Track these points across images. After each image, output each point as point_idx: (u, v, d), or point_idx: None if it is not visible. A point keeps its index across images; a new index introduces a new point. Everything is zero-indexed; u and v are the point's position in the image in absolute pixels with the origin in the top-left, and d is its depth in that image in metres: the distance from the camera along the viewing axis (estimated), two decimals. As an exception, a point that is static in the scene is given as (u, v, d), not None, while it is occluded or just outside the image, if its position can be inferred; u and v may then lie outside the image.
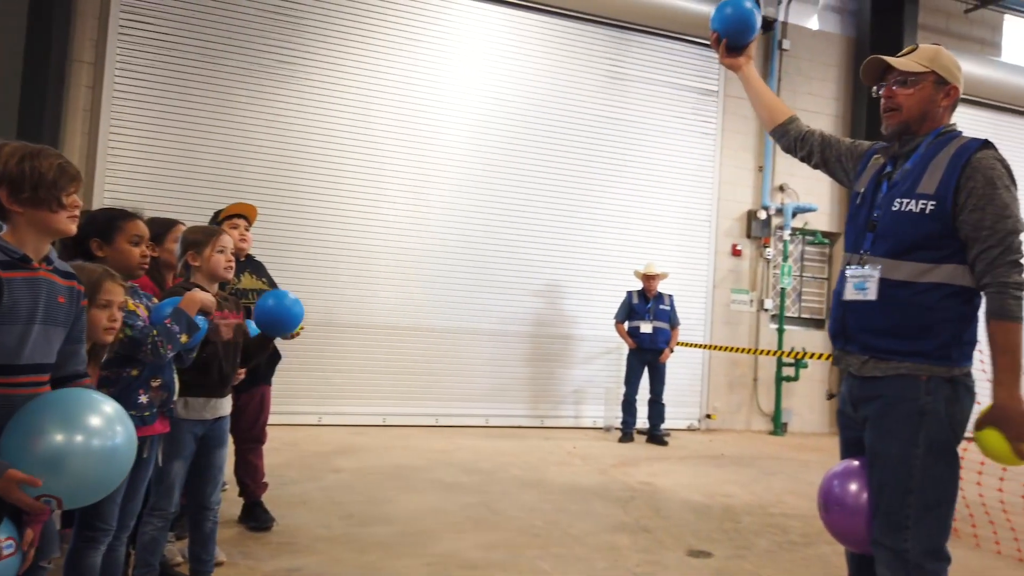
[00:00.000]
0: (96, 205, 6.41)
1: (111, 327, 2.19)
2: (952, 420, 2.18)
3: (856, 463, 2.39)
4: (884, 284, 2.24)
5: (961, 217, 2.15)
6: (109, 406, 1.87)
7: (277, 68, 7.61)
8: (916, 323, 2.19)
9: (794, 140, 2.67)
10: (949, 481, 2.21)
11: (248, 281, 3.98)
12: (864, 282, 2.28)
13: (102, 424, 1.81)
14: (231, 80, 7.45)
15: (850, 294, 2.32)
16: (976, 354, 2.28)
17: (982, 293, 2.18)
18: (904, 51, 2.37)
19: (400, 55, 8.02)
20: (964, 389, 2.21)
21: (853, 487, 2.36)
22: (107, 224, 2.47)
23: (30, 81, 6.51)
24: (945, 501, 2.20)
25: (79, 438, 1.76)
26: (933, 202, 2.17)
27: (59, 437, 1.73)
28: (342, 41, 7.84)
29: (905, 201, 2.23)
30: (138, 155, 7.14)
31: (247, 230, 3.97)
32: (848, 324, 2.34)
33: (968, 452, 2.57)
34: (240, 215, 3.97)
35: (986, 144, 2.23)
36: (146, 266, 2.57)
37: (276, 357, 4.07)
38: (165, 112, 7.23)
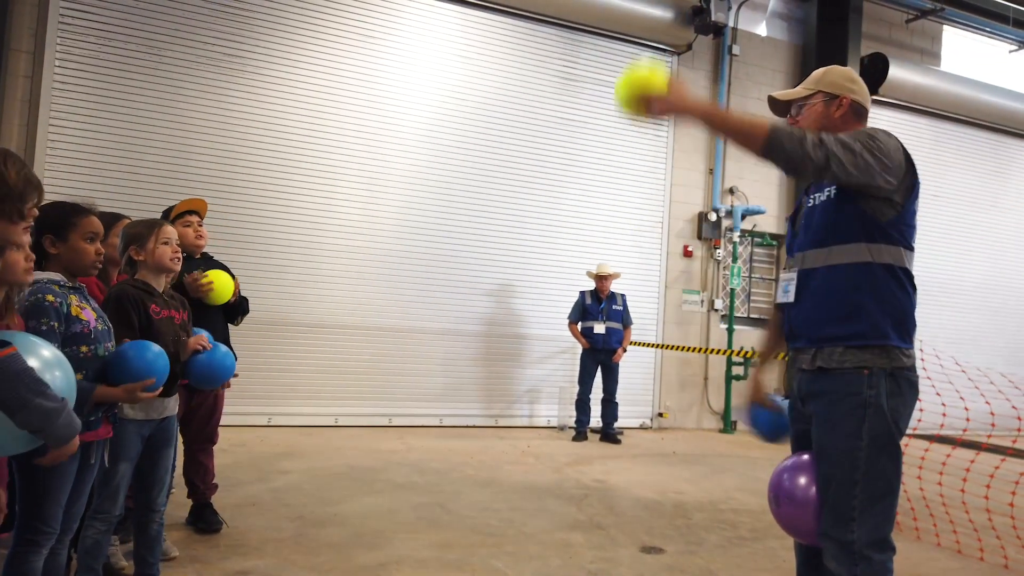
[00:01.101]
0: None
1: (28, 267, 2.10)
2: (894, 413, 2.25)
3: (805, 457, 2.44)
4: (807, 276, 2.37)
5: (841, 176, 2.23)
6: (47, 350, 1.93)
7: (225, 61, 7.44)
8: (844, 306, 2.28)
9: None
10: (892, 473, 2.27)
11: None
12: (788, 284, 2.45)
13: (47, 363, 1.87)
14: (177, 72, 7.26)
15: (780, 297, 2.50)
16: (918, 352, 2.35)
17: (906, 270, 2.30)
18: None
19: (353, 51, 7.93)
20: (907, 383, 2.28)
21: (802, 480, 2.40)
22: (61, 220, 2.36)
23: (-36, 70, 6.26)
24: (889, 493, 2.26)
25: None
26: (834, 187, 2.32)
27: None
28: (293, 36, 7.71)
29: (817, 196, 2.40)
30: (79, 147, 6.91)
31: (200, 225, 3.88)
32: (792, 324, 2.44)
33: (908, 448, 2.65)
34: (192, 211, 3.87)
35: None
36: (100, 264, 2.48)
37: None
38: (108, 103, 7.01)
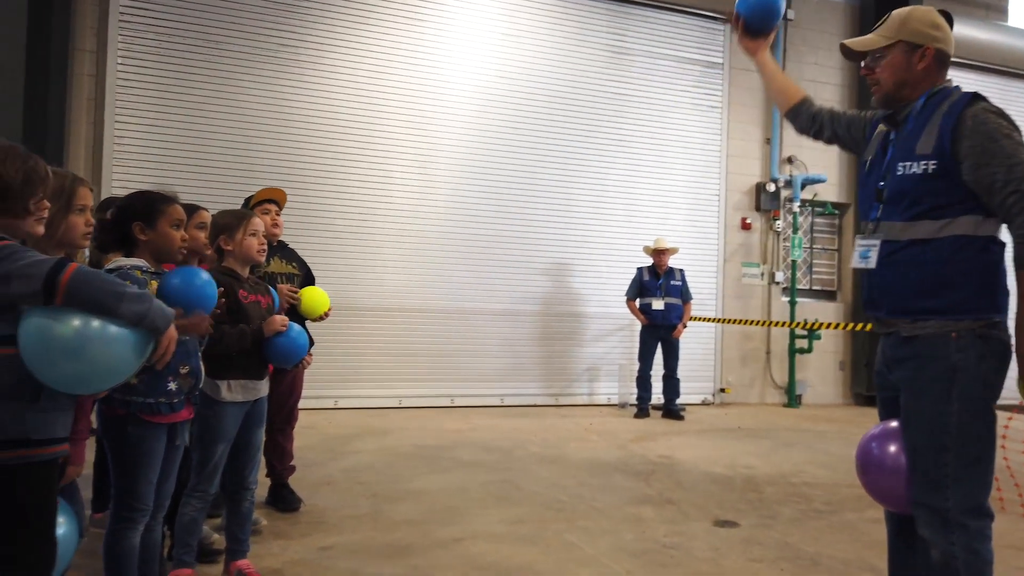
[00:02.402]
0: (105, 194, 6.38)
1: (88, 231, 2.18)
2: (985, 377, 2.17)
3: (893, 424, 2.39)
4: (899, 247, 2.25)
5: (969, 177, 2.14)
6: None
7: (279, 51, 7.54)
8: (937, 280, 2.19)
9: (807, 120, 2.73)
10: (987, 438, 2.20)
11: (277, 265, 3.98)
12: (868, 250, 2.34)
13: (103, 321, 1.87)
14: (233, 64, 7.40)
15: (856, 262, 2.39)
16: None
17: (1001, 242, 2.20)
18: (879, 22, 2.40)
19: (402, 35, 7.95)
20: (998, 344, 2.19)
21: (891, 448, 2.35)
22: (149, 207, 2.43)
23: (33, 72, 6.44)
24: (984, 458, 2.19)
25: (93, 323, 1.81)
26: (934, 162, 2.19)
27: (75, 323, 1.79)
28: (343, 24, 7.77)
29: (907, 164, 2.25)
30: (144, 142, 7.10)
31: (278, 215, 3.98)
32: (874, 292, 2.36)
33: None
34: (271, 200, 3.97)
35: (975, 98, 2.22)
36: (186, 251, 2.55)
37: (310, 342, 4.08)
38: (169, 98, 7.18)
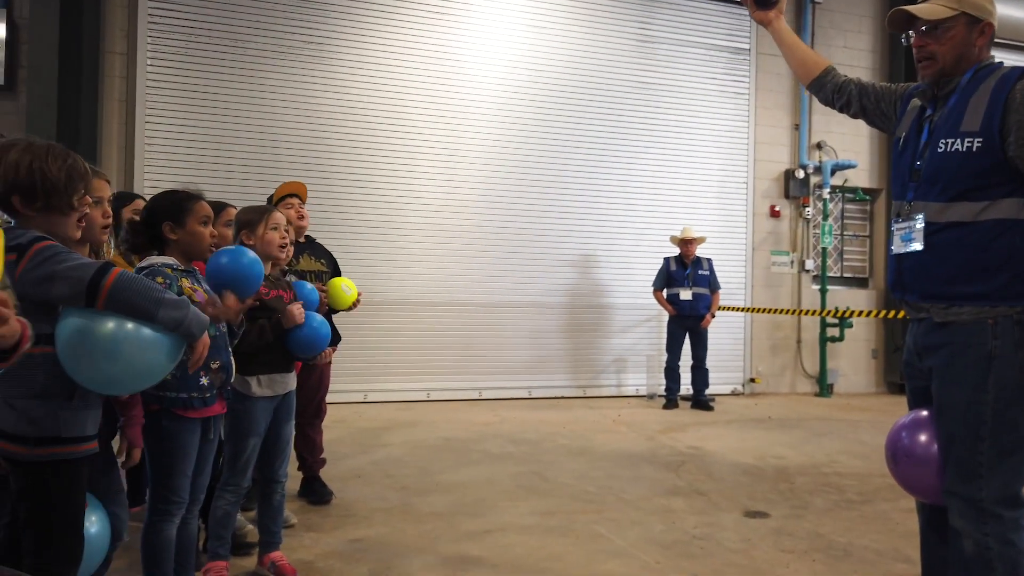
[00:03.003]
0: (139, 192, 6.50)
1: (106, 223, 2.22)
2: (1023, 364, 2.11)
3: (924, 413, 2.35)
4: (936, 229, 2.18)
5: (1015, 152, 2.06)
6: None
7: (305, 49, 7.61)
8: (976, 264, 2.13)
9: (831, 92, 2.62)
10: (1022, 426, 2.14)
11: (306, 263, 4.01)
12: (910, 232, 2.26)
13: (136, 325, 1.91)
14: (260, 63, 7.48)
15: (898, 247, 2.30)
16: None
17: None
18: None
19: (427, 29, 7.97)
20: None
21: (922, 438, 2.32)
22: (177, 207, 2.47)
23: (65, 75, 6.60)
24: (1019, 447, 2.14)
25: (129, 326, 1.86)
26: (980, 139, 2.10)
27: (112, 325, 1.84)
28: (367, 18, 7.80)
29: (950, 142, 2.16)
30: (174, 141, 7.22)
31: (302, 207, 3.99)
32: (904, 275, 2.30)
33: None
34: (292, 194, 3.99)
35: None
36: (215, 248, 2.59)
37: (336, 337, 4.13)
38: (197, 97, 7.28)
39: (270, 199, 4.07)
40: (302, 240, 4.03)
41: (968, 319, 2.15)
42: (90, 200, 1.99)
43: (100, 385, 1.91)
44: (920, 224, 2.22)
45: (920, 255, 2.23)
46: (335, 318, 4.01)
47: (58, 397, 1.89)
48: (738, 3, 8.97)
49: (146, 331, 1.87)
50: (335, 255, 4.35)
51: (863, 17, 9.59)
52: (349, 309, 3.88)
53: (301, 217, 3.92)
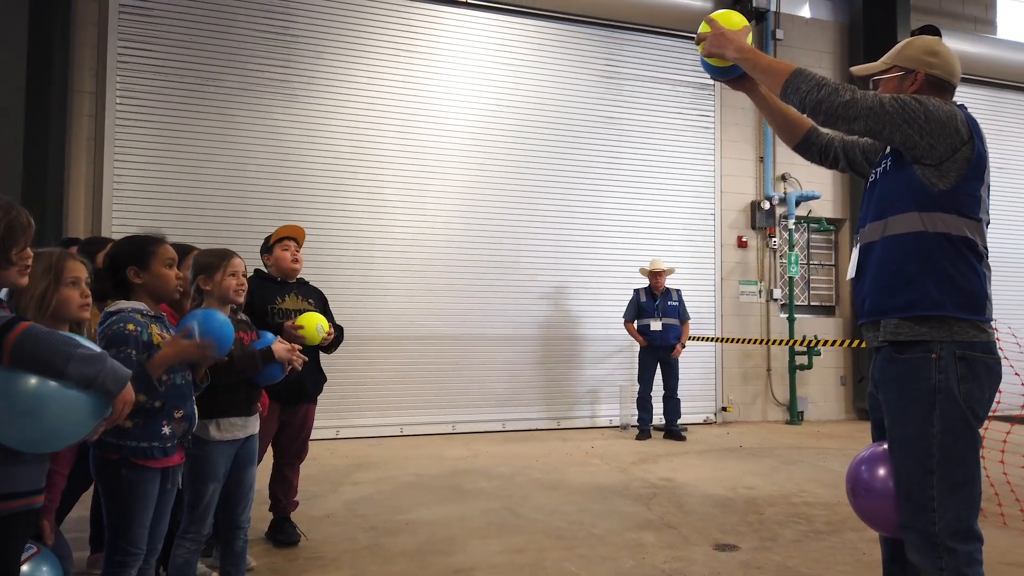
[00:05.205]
0: (105, 234, 6.45)
1: (85, 303, 2.19)
2: (967, 398, 2.17)
3: (883, 447, 2.40)
4: (868, 250, 2.35)
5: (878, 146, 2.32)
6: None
7: (274, 87, 7.65)
8: (896, 276, 2.25)
9: (818, 152, 2.76)
10: (971, 460, 2.20)
11: (292, 302, 4.02)
12: (853, 260, 2.45)
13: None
14: (230, 101, 7.50)
15: (849, 274, 2.48)
16: (994, 326, 2.27)
17: (967, 240, 2.20)
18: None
19: (396, 67, 8.06)
20: (983, 367, 2.19)
21: (880, 471, 2.36)
22: (140, 250, 2.47)
23: (33, 113, 6.56)
24: (969, 480, 2.19)
25: (50, 384, 1.80)
26: (892, 156, 2.31)
27: (31, 383, 1.79)
28: (337, 57, 7.88)
29: (877, 170, 2.39)
30: (143, 181, 7.18)
31: (298, 251, 4.02)
32: (857, 300, 2.45)
33: (989, 431, 2.57)
34: (291, 237, 4.05)
35: None
36: (182, 289, 2.58)
37: (322, 378, 4.13)
38: (167, 137, 7.28)
39: (268, 240, 4.11)
40: (292, 281, 4.08)
41: (913, 356, 2.21)
42: (31, 253, 1.93)
43: (21, 443, 1.84)
44: (857, 252, 2.42)
45: (859, 280, 2.40)
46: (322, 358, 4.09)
47: None
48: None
49: (63, 388, 1.81)
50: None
51: (823, 53, 9.87)
52: (321, 344, 3.86)
53: (295, 260, 4.00)
